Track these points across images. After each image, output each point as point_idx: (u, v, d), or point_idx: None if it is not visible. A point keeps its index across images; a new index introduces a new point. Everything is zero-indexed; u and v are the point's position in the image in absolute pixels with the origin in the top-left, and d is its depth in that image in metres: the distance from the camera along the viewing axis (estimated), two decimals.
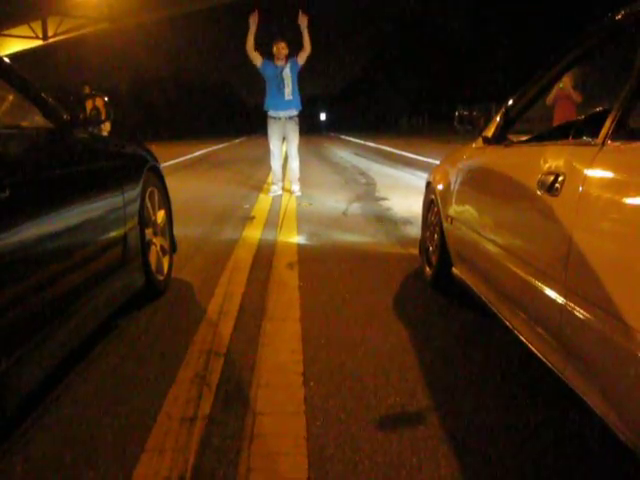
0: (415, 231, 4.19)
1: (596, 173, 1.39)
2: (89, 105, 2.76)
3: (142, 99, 55.45)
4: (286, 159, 7.47)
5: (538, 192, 1.64)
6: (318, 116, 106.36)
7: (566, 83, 7.32)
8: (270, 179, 7.60)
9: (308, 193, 6.96)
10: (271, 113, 6.74)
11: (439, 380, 1.94)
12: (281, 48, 6.53)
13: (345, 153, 17.51)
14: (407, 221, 4.94)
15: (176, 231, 3.28)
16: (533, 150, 2.03)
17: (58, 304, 1.86)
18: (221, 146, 25.42)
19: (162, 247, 3.05)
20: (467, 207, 2.47)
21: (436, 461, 1.48)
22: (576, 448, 1.55)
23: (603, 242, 1.32)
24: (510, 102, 2.32)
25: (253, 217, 5.41)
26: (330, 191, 7.34)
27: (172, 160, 13.92)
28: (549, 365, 1.57)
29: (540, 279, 1.60)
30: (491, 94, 32.48)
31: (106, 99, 2.79)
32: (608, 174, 1.39)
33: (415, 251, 3.55)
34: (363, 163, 12.55)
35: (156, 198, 3.01)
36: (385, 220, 5.11)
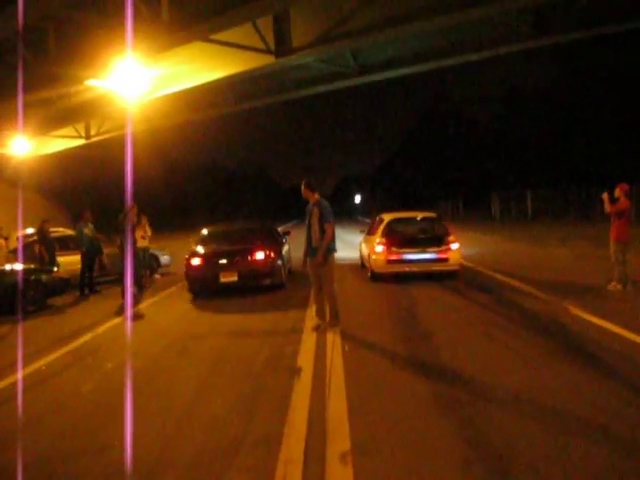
0: None
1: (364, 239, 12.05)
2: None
3: (176, 191, 55.16)
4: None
5: (365, 243, 11.58)
6: (352, 198, 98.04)
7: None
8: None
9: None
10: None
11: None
12: (303, 190, 6.79)
13: None
14: None
15: None
16: (367, 237, 11.48)
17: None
18: None
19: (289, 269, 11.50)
20: (362, 248, 11.99)
21: None
22: None
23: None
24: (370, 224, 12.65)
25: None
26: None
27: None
28: (367, 265, 11.08)
29: (366, 255, 11.06)
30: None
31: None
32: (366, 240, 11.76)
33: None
34: None
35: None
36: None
